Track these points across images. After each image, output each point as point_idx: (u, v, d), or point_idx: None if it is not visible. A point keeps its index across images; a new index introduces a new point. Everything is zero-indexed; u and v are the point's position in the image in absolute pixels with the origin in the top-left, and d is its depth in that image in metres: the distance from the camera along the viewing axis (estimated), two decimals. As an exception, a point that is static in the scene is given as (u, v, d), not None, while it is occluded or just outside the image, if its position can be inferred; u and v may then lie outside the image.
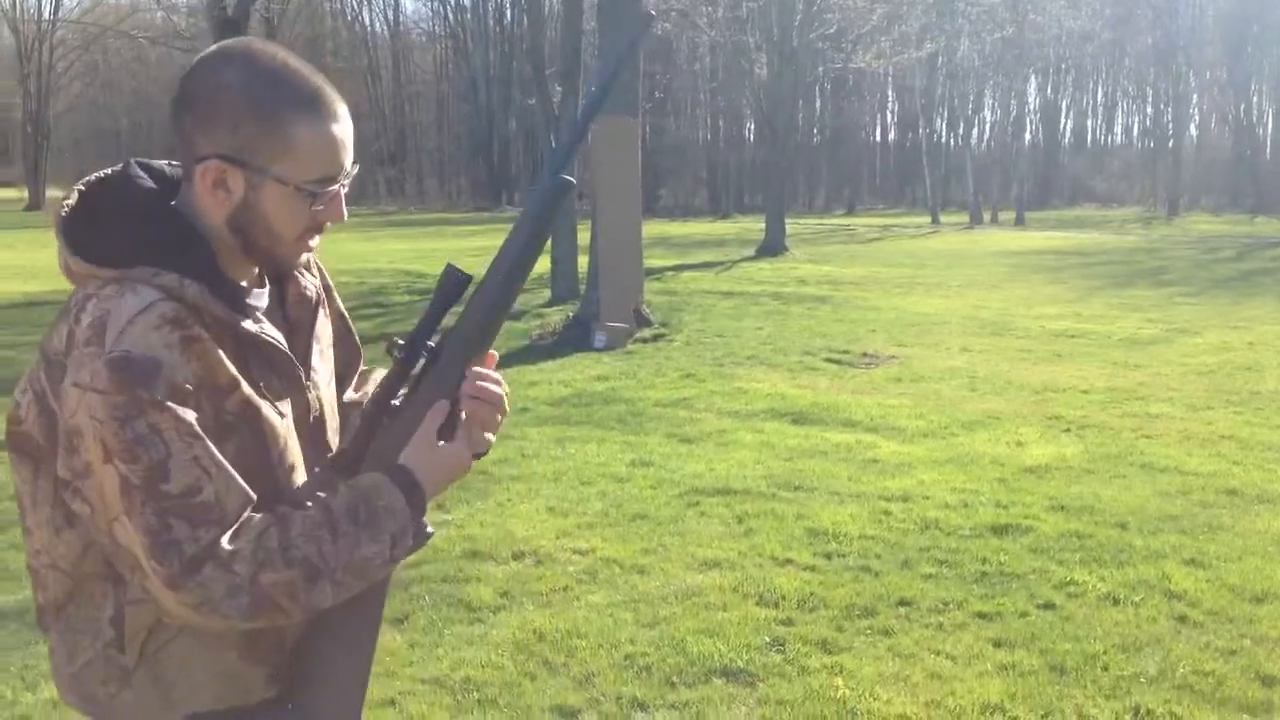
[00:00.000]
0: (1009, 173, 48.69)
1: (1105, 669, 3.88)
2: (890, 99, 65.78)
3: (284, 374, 1.49)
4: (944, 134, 61.78)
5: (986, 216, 44.99)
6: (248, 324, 1.44)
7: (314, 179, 1.42)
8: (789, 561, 4.99)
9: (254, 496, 1.39)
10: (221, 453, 1.37)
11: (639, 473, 6.47)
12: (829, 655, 4.01)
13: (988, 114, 63.74)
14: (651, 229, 28.62)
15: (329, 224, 1.48)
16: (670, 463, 6.72)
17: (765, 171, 29.04)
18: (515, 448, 6.98)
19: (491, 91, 56.19)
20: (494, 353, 1.55)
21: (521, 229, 1.53)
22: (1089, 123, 71.63)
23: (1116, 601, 4.51)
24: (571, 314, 12.98)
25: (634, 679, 3.83)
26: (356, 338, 1.77)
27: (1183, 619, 4.33)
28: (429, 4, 65.34)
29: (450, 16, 60.90)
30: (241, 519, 1.37)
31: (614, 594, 4.60)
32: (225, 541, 1.34)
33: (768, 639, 4.13)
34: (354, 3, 62.15)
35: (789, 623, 4.30)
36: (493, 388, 1.52)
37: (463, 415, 1.53)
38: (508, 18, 57.18)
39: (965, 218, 44.71)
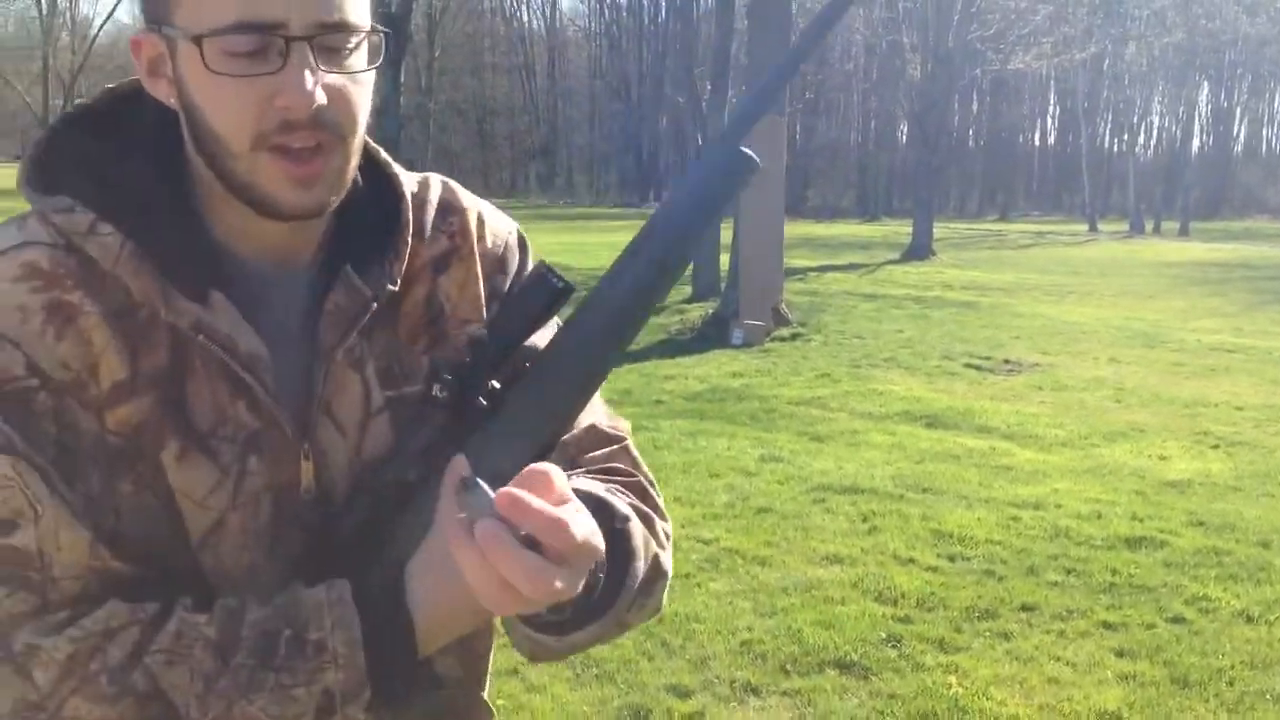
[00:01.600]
0: (1174, 181, 46.91)
1: (1230, 684, 3.80)
2: (1051, 103, 64.01)
3: (258, 410, 0.93)
4: (1106, 139, 59.85)
5: (1149, 226, 43.41)
6: (184, 306, 0.91)
7: (222, 26, 0.86)
8: (911, 561, 4.99)
9: (116, 566, 0.88)
10: (94, 486, 0.89)
11: (768, 468, 6.54)
12: (945, 654, 4.03)
13: (1155, 119, 61.51)
14: (797, 229, 28.50)
15: (305, 118, 0.88)
16: (799, 459, 6.77)
17: (915, 174, 28.65)
18: (648, 439, 7.11)
19: (644, 89, 56.67)
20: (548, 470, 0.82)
21: (679, 213, 0.90)
22: (1264, 131, 68.46)
23: (1250, 619, 4.40)
24: (711, 310, 13.08)
25: (749, 664, 3.91)
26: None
27: (1319, 641, 4.20)
28: (586, 1, 66.35)
29: (606, 14, 61.67)
30: (75, 595, 0.86)
31: (735, 583, 4.69)
32: (33, 630, 0.84)
33: (884, 634, 4.17)
34: (513, 0, 63.44)
35: (907, 620, 4.32)
36: (542, 509, 0.78)
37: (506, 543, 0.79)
38: (662, 16, 57.58)
39: (1125, 226, 43.22)
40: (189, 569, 0.92)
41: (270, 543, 0.94)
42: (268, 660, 0.85)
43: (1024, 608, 4.48)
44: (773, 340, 11.90)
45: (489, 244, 1.07)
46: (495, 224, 1.09)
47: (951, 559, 5.04)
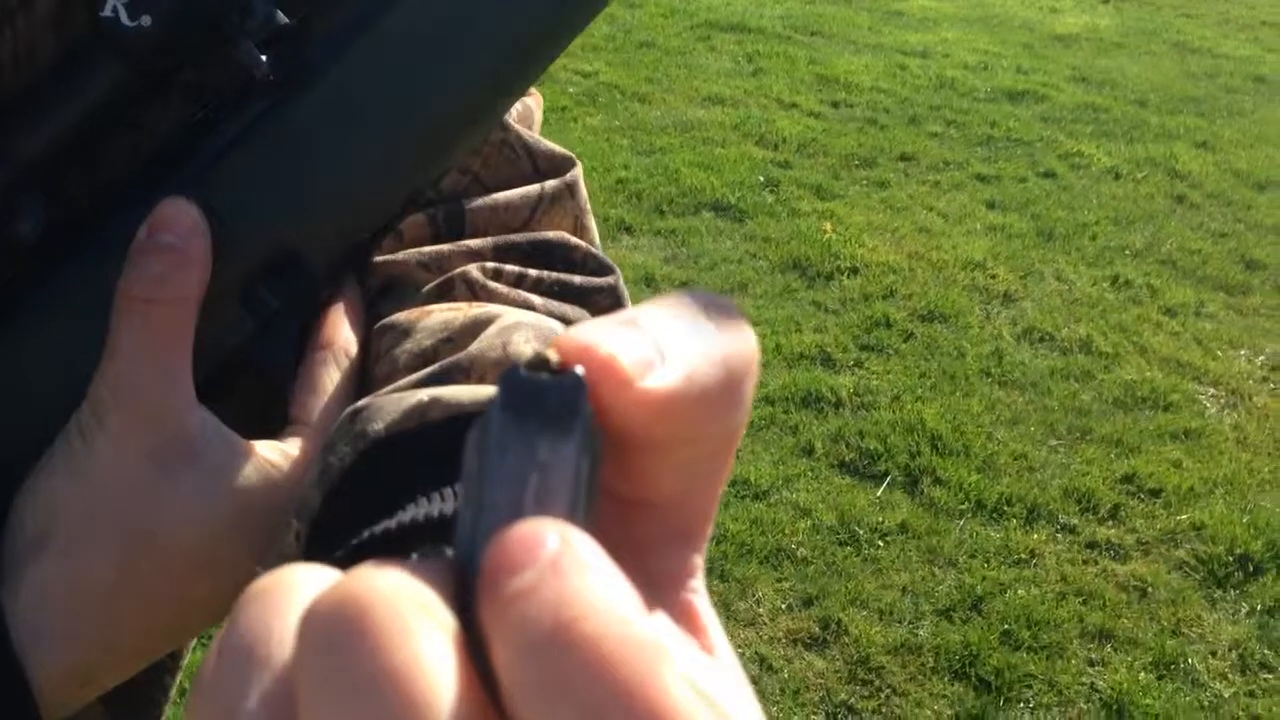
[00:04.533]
0: None
1: (1093, 239, 3.90)
2: None
3: None
4: None
5: None
6: None
7: None
8: (794, 106, 4.86)
9: None
10: None
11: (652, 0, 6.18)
12: (821, 201, 4.01)
13: None
14: None
15: None
16: (685, -7, 6.40)
17: None
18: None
19: None
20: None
21: None
22: None
23: (1118, 176, 4.46)
24: None
25: (624, 203, 3.84)
26: None
27: (1181, 199, 4.30)
28: None
29: None
30: None
31: (613, 119, 4.52)
32: None
33: (762, 178, 4.11)
34: None
35: (786, 165, 4.25)
36: None
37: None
38: None
39: None
40: None
41: None
42: None
43: (902, 157, 4.45)
44: None
45: None
46: None
47: (835, 105, 4.92)
